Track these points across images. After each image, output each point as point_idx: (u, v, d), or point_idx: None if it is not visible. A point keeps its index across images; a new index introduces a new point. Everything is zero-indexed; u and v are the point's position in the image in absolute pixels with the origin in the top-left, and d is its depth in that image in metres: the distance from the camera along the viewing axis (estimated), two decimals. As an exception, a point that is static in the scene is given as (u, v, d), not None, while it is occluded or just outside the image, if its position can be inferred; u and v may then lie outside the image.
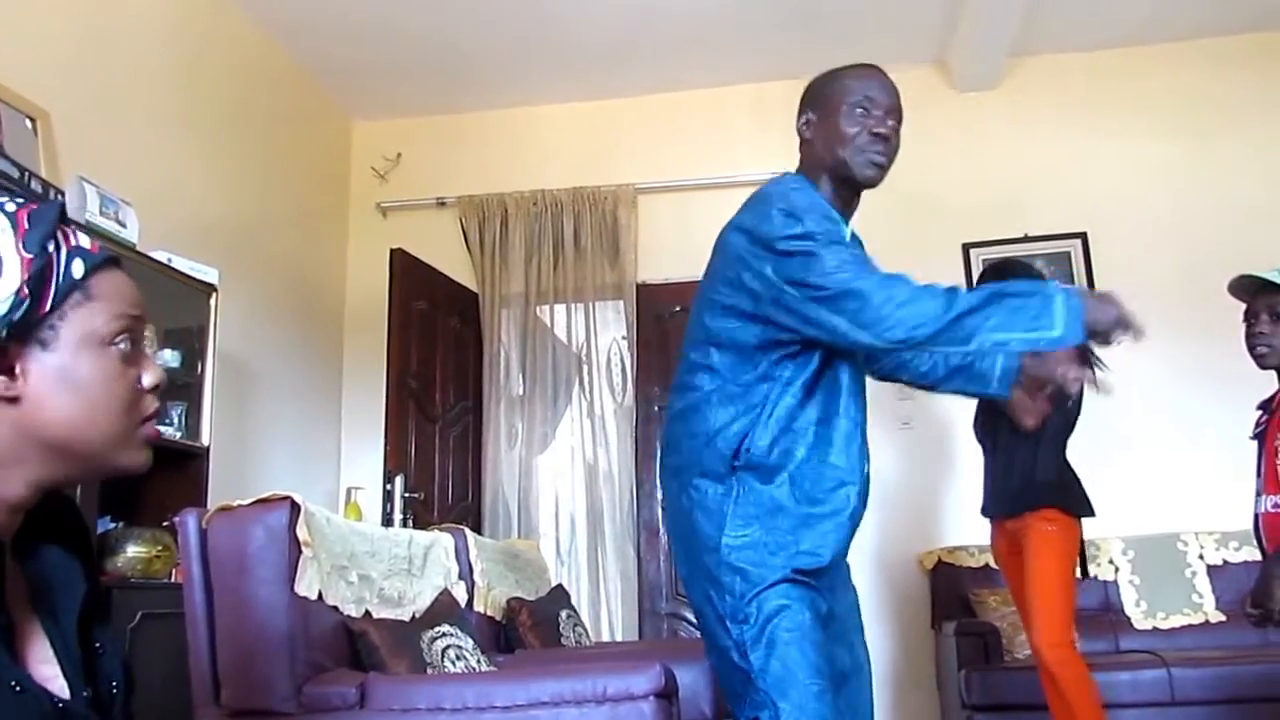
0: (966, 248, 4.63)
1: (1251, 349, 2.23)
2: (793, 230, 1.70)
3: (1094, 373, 3.12)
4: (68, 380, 0.87)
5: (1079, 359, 3.09)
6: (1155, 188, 4.62)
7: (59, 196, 2.78)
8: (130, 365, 0.92)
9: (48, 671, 0.89)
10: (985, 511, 3.18)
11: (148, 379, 0.93)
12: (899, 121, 1.85)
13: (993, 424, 3.14)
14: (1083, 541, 3.06)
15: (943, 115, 4.79)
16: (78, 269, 0.88)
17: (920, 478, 4.47)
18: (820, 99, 1.88)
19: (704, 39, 4.55)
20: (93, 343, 0.88)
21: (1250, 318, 2.24)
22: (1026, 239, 4.59)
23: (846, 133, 1.81)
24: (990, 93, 4.80)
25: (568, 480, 4.86)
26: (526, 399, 4.80)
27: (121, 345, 0.90)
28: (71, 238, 0.90)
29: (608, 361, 4.84)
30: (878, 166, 1.82)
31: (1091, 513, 3.04)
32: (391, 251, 4.45)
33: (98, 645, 0.95)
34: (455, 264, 4.88)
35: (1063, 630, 2.88)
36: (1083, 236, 4.60)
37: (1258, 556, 3.50)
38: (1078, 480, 3.06)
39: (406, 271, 4.46)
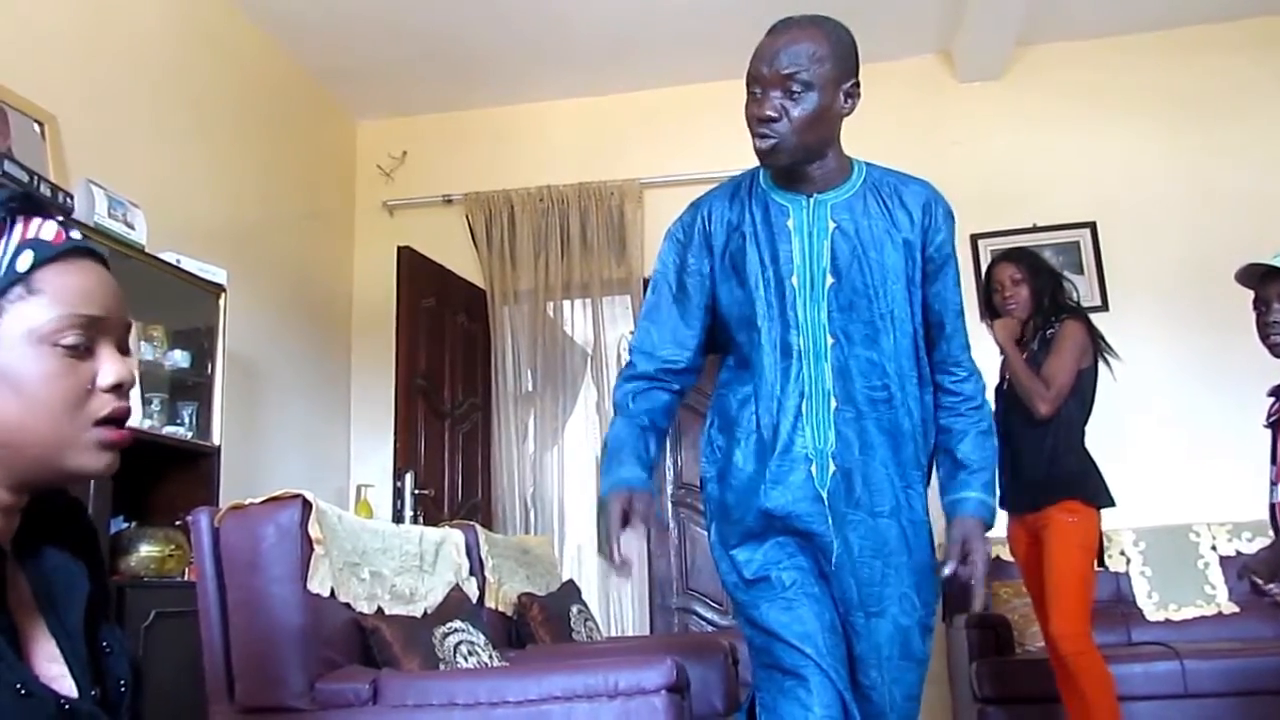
0: (975, 238, 4.61)
1: (1265, 338, 2.18)
2: None
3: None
4: (4, 377, 0.84)
5: (1092, 340, 3.08)
6: (1164, 176, 4.59)
7: (67, 200, 2.79)
8: (82, 363, 0.87)
9: (55, 671, 0.88)
10: (1003, 505, 3.14)
11: (105, 379, 0.88)
12: (806, 79, 1.73)
13: (1005, 418, 3.10)
14: (1101, 533, 3.04)
15: (948, 106, 4.78)
16: (23, 262, 0.85)
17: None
18: None
19: (708, 32, 4.53)
20: (33, 340, 0.85)
21: (1260, 305, 2.18)
22: (1035, 229, 4.57)
23: (747, 120, 1.81)
24: (995, 83, 4.78)
25: (577, 476, 4.87)
26: (536, 395, 4.80)
27: (67, 343, 0.86)
28: (31, 229, 0.86)
29: (616, 356, 4.84)
30: (765, 148, 1.78)
31: (1112, 502, 3.00)
32: (399, 249, 4.47)
33: (105, 644, 0.95)
34: (462, 261, 4.89)
35: (1081, 621, 2.87)
36: (1092, 226, 4.58)
37: (1271, 547, 3.43)
38: (1097, 470, 3.03)
39: (414, 269, 4.47)
